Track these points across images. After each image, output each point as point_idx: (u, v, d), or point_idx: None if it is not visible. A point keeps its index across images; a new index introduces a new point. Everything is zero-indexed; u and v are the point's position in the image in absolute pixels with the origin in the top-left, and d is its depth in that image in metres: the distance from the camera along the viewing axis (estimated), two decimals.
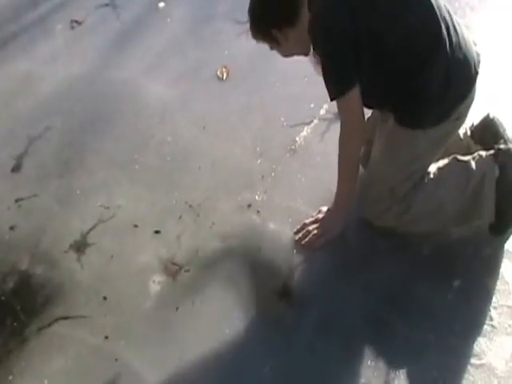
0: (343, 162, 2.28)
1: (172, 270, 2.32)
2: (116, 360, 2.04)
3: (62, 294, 2.21)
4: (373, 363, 2.06)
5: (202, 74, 3.13)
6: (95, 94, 3.05)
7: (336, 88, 2.12)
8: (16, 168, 2.68)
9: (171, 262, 2.35)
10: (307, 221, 2.43)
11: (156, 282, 2.28)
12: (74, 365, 2.03)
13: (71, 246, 2.37)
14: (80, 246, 2.37)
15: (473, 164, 2.29)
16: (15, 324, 2.13)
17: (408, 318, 2.19)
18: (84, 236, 2.40)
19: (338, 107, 2.20)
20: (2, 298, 2.22)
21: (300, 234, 2.41)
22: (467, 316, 2.20)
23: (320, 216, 2.43)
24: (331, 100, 2.14)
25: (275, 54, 2.27)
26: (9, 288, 2.25)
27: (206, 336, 2.13)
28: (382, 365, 2.06)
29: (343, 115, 2.22)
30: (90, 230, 2.43)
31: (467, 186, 2.27)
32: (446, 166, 2.32)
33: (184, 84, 3.09)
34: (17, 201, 2.55)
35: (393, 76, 2.14)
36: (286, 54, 2.30)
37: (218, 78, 3.11)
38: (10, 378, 2.01)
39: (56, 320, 2.14)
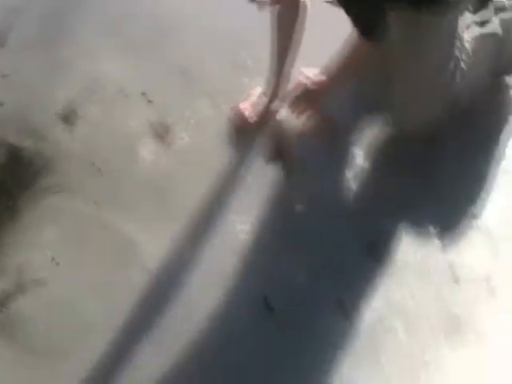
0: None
1: (163, 135, 2.19)
2: (109, 228, 1.95)
3: (52, 165, 2.09)
4: (367, 221, 1.98)
5: None
6: None
7: (362, 32, 1.89)
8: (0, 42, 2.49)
9: (162, 127, 2.21)
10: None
11: (147, 149, 2.15)
12: (69, 235, 1.95)
13: (59, 118, 2.22)
14: (68, 117, 2.22)
15: None
16: (7, 198, 2.03)
17: (403, 176, 2.08)
18: (72, 106, 2.24)
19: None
20: None
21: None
22: (465, 176, 2.10)
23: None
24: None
25: None
26: None
27: (197, 198, 2.04)
28: (376, 220, 1.98)
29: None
30: (78, 99, 2.27)
31: None
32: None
33: None
34: (2, 75, 2.38)
35: None
36: None
37: None
38: (9, 251, 1.92)
39: (48, 191, 2.03)
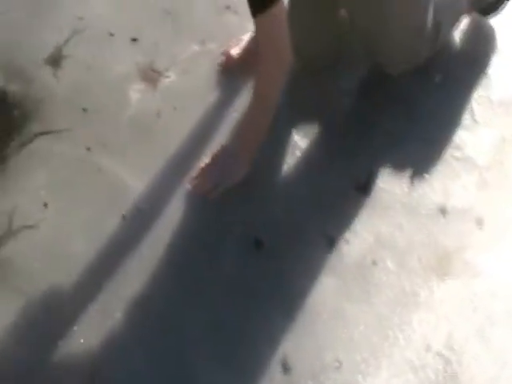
0: (265, 92, 1.83)
1: (151, 76, 2.14)
2: (99, 170, 1.91)
3: (40, 109, 2.03)
4: (355, 159, 1.96)
5: None
6: None
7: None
8: None
9: (150, 68, 2.16)
10: (204, 164, 1.91)
11: (136, 90, 2.10)
12: (59, 178, 1.90)
13: (46, 60, 2.16)
14: (55, 59, 2.16)
15: None
16: None
17: (388, 112, 2.06)
18: (59, 49, 2.19)
19: (257, 28, 1.77)
20: None
21: (195, 182, 1.90)
22: (448, 108, 2.08)
23: (219, 157, 1.91)
24: (254, 15, 1.68)
25: None
26: None
27: (187, 137, 2.01)
28: (363, 158, 1.96)
29: (264, 39, 1.76)
30: (65, 41, 2.20)
31: None
32: None
33: None
34: None
35: None
36: None
37: None
38: (1, 189, 1.87)
39: (36, 136, 1.97)
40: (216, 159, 1.90)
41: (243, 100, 2.06)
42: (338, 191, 1.91)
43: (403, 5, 1.94)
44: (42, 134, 1.98)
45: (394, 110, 2.07)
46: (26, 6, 2.33)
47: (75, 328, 1.64)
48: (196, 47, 2.23)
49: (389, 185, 1.91)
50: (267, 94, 1.83)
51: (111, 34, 2.25)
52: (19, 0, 2.35)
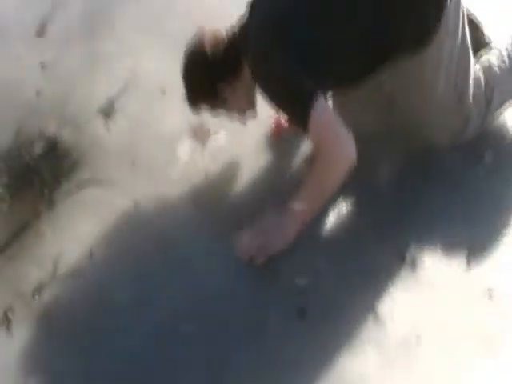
0: (321, 188, 1.87)
1: (202, 135, 2.16)
2: (146, 223, 1.92)
3: (89, 158, 2.07)
4: (402, 233, 1.93)
5: None
6: None
7: (299, 112, 1.78)
8: (40, 32, 2.47)
9: (201, 128, 2.18)
10: (251, 229, 1.91)
11: (186, 147, 2.12)
12: (106, 227, 1.91)
13: (98, 111, 2.20)
14: (107, 111, 2.20)
15: None
16: (44, 188, 2.00)
17: (434, 186, 2.03)
18: (111, 101, 2.23)
19: (311, 132, 1.79)
20: (31, 163, 2.08)
21: (242, 247, 1.89)
22: (498, 189, 2.03)
23: (266, 224, 1.91)
24: (305, 130, 1.78)
25: None
26: (36, 153, 2.11)
27: (234, 199, 2.02)
28: (408, 232, 1.93)
29: (320, 138, 1.82)
30: (118, 94, 2.25)
31: None
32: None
33: None
34: (42, 66, 2.36)
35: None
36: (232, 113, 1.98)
37: None
38: (44, 240, 1.89)
39: (85, 184, 2.00)
40: (263, 226, 1.90)
41: (293, 165, 2.08)
42: (383, 265, 1.87)
43: (438, 80, 1.94)
44: (90, 182, 2.00)
45: (440, 184, 2.04)
46: (80, 56, 2.39)
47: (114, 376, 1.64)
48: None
49: (435, 262, 1.87)
50: (322, 189, 1.87)
51: (163, 90, 2.28)
52: (72, 51, 2.41)
